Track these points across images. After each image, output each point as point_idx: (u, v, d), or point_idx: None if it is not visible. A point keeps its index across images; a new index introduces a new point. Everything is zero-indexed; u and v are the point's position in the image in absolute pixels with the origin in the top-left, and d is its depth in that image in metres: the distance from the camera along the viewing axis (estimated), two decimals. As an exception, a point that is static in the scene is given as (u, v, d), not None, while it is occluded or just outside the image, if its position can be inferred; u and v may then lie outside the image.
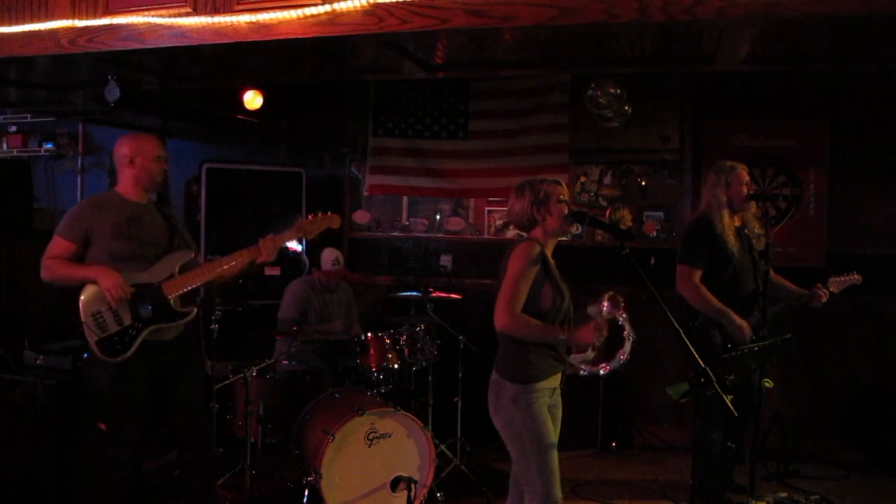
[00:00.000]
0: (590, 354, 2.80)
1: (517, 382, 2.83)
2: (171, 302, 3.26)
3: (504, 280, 2.83)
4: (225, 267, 3.35)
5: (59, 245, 3.25)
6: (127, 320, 3.19)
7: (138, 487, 3.39)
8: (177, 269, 3.32)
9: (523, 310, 2.82)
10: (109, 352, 3.17)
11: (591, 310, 2.85)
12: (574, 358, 2.81)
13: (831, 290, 3.89)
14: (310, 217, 3.58)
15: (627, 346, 2.80)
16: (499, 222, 6.20)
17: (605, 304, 2.81)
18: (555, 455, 2.85)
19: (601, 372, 2.85)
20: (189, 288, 3.31)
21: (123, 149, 3.38)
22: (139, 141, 3.41)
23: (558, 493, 2.84)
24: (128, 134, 3.45)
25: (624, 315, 2.81)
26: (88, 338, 3.18)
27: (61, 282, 3.25)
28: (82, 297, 3.19)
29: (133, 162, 3.36)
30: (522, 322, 2.79)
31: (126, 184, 3.39)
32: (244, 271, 3.43)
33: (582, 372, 2.86)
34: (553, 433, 2.88)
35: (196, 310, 3.35)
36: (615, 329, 2.86)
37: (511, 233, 6.06)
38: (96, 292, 3.16)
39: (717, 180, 3.92)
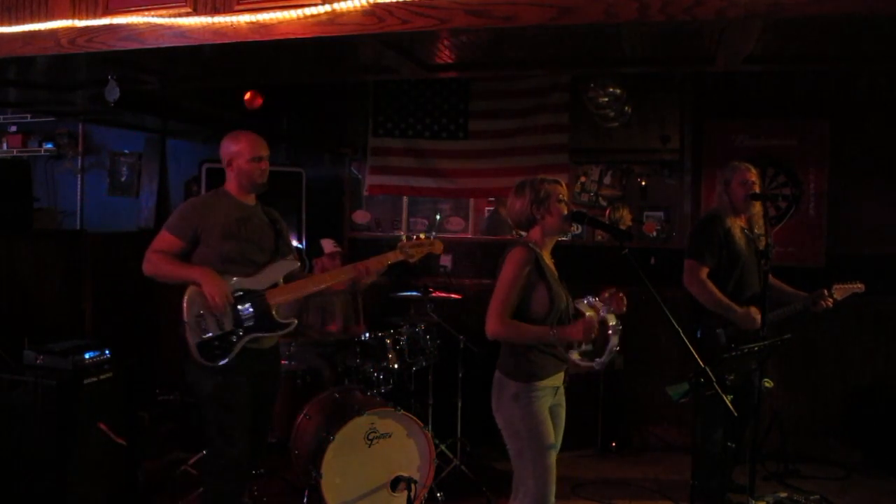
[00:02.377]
0: (586, 348, 2.81)
1: (519, 381, 2.84)
2: (274, 311, 3.21)
3: (496, 287, 2.86)
4: (329, 283, 3.34)
5: (165, 240, 3.18)
6: (228, 325, 3.12)
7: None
8: (281, 279, 3.28)
9: (518, 313, 2.84)
10: (208, 356, 3.10)
11: (578, 306, 2.86)
12: (570, 354, 2.82)
13: (835, 296, 3.89)
14: (415, 238, 3.51)
15: (615, 339, 2.81)
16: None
17: (589, 298, 2.84)
18: (553, 458, 2.86)
19: (595, 366, 2.86)
20: (291, 299, 3.29)
21: (224, 149, 3.30)
22: (236, 142, 3.29)
23: (552, 498, 2.84)
24: (230, 133, 3.34)
25: (606, 308, 2.82)
26: (189, 340, 3.10)
27: (163, 278, 3.18)
28: (186, 297, 3.11)
29: (231, 164, 3.28)
30: (512, 328, 2.82)
31: (231, 184, 3.32)
32: (345, 288, 3.42)
33: (579, 365, 2.87)
34: (553, 435, 2.88)
35: (296, 321, 3.30)
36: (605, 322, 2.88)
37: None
38: (200, 293, 3.09)
39: (720, 180, 4.00)
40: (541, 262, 2.89)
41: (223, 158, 3.31)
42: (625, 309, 2.86)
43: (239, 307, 3.14)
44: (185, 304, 3.11)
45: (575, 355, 2.87)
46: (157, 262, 3.16)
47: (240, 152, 3.27)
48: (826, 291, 3.90)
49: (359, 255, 6.20)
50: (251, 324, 3.16)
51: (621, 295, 2.86)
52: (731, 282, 3.84)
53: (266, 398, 3.41)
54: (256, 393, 3.28)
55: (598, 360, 2.89)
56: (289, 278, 3.33)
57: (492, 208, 6.27)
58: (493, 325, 2.82)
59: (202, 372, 3.14)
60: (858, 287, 3.97)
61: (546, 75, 5.50)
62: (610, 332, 2.82)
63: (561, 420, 3.01)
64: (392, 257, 3.46)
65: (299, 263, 3.40)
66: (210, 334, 3.10)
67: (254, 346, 3.20)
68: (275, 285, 3.26)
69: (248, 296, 3.17)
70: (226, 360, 3.10)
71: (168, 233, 3.19)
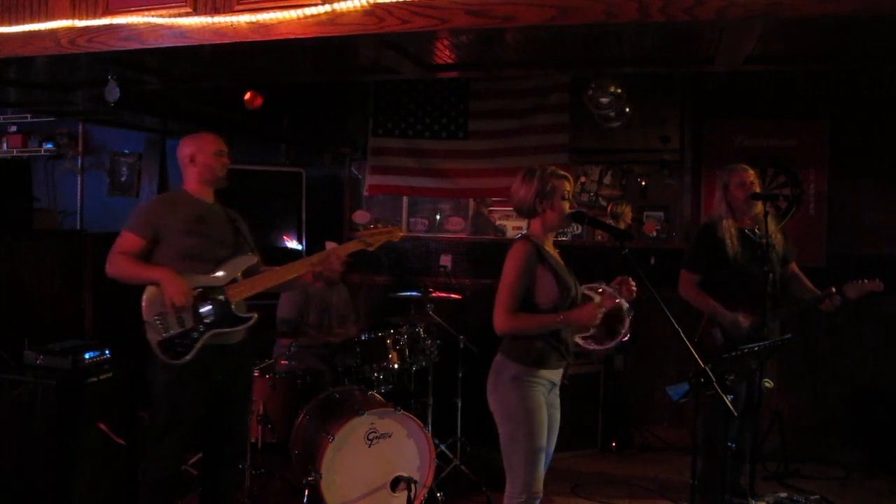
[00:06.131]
0: (593, 332, 2.85)
1: (521, 364, 2.86)
2: (234, 307, 3.23)
3: (500, 283, 2.88)
4: (289, 276, 3.34)
5: (128, 240, 3.22)
6: (189, 323, 3.14)
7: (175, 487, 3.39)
8: (240, 274, 3.30)
9: (526, 307, 2.86)
10: (171, 353, 3.13)
11: (586, 290, 2.88)
12: (579, 338, 2.85)
13: (848, 295, 3.85)
14: (371, 227, 3.56)
15: (627, 321, 2.84)
16: (499, 222, 6.21)
17: (595, 284, 2.87)
18: (543, 447, 2.87)
19: (606, 348, 2.91)
20: (252, 293, 3.29)
21: (184, 149, 3.36)
22: (198, 139, 3.38)
23: (539, 485, 2.85)
24: (188, 135, 3.43)
25: (619, 292, 2.85)
26: (150, 338, 3.13)
27: (126, 280, 3.20)
28: (145, 297, 3.13)
29: (194, 160, 3.33)
30: (520, 320, 2.85)
31: (192, 183, 3.37)
32: (310, 283, 3.42)
33: (590, 349, 2.90)
34: (546, 424, 2.88)
35: (256, 315, 3.32)
36: (614, 308, 2.91)
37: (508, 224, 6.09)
38: (160, 293, 3.11)
39: (719, 183, 4.03)
40: (543, 252, 2.90)
41: (183, 158, 3.36)
42: (634, 294, 2.89)
43: (199, 304, 3.16)
44: (144, 304, 3.13)
45: (581, 339, 2.90)
46: (119, 264, 3.19)
47: (202, 147, 3.34)
48: (834, 289, 3.88)
49: (359, 256, 6.23)
50: (211, 320, 3.18)
51: (631, 280, 2.89)
52: (724, 285, 3.88)
53: (235, 396, 3.40)
54: (222, 391, 3.30)
55: (608, 342, 2.92)
56: (248, 273, 3.34)
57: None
58: (501, 321, 2.85)
59: (158, 368, 3.18)
60: (876, 285, 3.85)
61: (546, 75, 5.50)
62: (624, 314, 2.85)
63: (555, 421, 3.01)
64: (352, 246, 3.48)
65: (257, 258, 3.41)
66: (171, 332, 3.13)
67: (217, 343, 3.20)
68: (234, 280, 3.27)
69: (208, 292, 3.19)
70: (188, 357, 3.13)
71: (130, 233, 3.23)
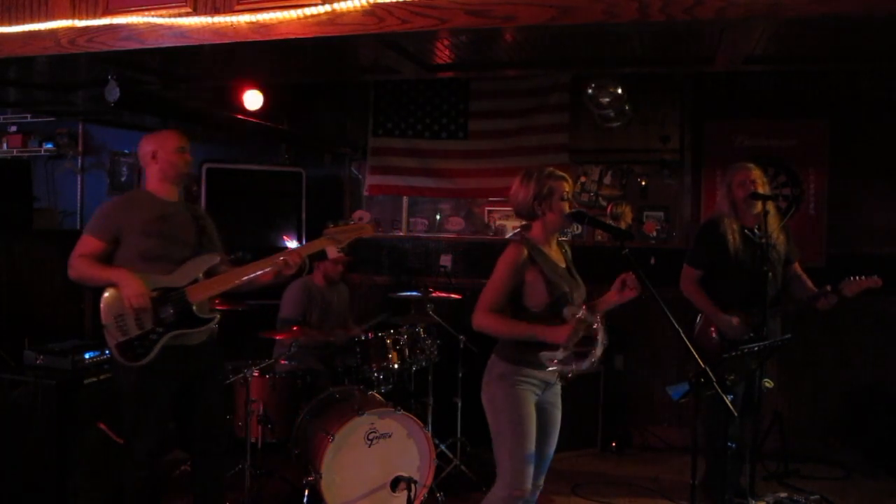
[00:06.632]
0: (559, 354, 2.75)
1: (508, 362, 2.88)
2: (194, 308, 3.21)
3: (488, 282, 2.90)
4: (250, 275, 3.29)
5: (87, 243, 3.20)
6: (148, 324, 3.13)
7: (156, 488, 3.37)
8: (201, 274, 3.27)
9: (515, 308, 2.87)
10: (129, 355, 3.12)
11: (566, 312, 2.83)
12: (543, 355, 2.78)
13: (845, 292, 3.84)
14: (341, 224, 3.48)
15: (598, 350, 2.78)
16: (499, 222, 6.23)
17: (584, 308, 2.80)
18: (531, 447, 2.86)
19: (569, 373, 2.81)
20: (212, 294, 3.27)
21: (144, 147, 3.33)
22: (158, 136, 3.35)
23: (527, 483, 2.85)
24: (146, 135, 3.41)
25: (599, 319, 2.79)
26: (109, 341, 3.14)
27: (87, 282, 3.21)
28: (103, 300, 3.13)
29: (155, 157, 3.29)
30: (493, 321, 2.86)
31: (154, 181, 3.33)
32: (271, 281, 3.37)
33: (549, 369, 2.82)
34: (534, 424, 2.87)
35: (219, 315, 3.29)
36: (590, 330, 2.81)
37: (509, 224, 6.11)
38: (119, 295, 3.10)
39: (722, 182, 4.05)
40: (536, 256, 2.89)
41: (144, 156, 3.32)
42: (638, 291, 2.82)
43: (158, 306, 3.14)
44: (102, 307, 3.12)
45: (549, 355, 2.80)
46: (78, 267, 3.18)
47: (163, 144, 3.30)
48: (830, 287, 3.87)
49: (359, 256, 6.24)
50: (172, 321, 3.16)
51: (633, 277, 2.83)
52: (726, 283, 3.88)
53: (206, 395, 3.36)
54: (190, 391, 3.28)
55: (576, 364, 2.81)
56: (211, 273, 3.32)
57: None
58: (479, 318, 2.89)
59: (122, 371, 3.18)
60: (873, 281, 3.81)
61: (546, 75, 5.51)
62: (597, 339, 2.78)
63: (555, 421, 3.01)
64: (318, 244, 3.44)
65: (220, 258, 3.38)
66: (130, 335, 3.11)
67: (178, 344, 3.19)
68: (195, 281, 3.24)
69: (167, 294, 3.17)
70: (147, 359, 3.12)
71: (89, 236, 3.21)
